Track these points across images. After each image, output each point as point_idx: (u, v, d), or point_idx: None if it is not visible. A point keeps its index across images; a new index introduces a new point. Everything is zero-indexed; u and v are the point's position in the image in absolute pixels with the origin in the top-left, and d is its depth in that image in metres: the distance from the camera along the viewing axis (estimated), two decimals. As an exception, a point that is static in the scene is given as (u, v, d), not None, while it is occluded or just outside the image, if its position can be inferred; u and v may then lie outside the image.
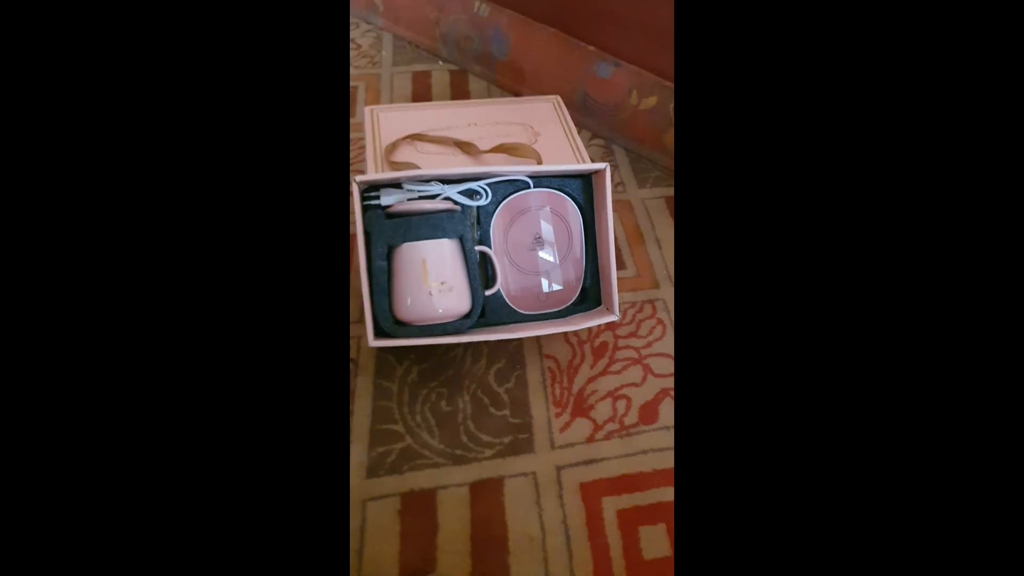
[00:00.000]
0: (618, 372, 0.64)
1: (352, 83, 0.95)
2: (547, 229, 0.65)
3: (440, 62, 1.00)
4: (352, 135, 0.86)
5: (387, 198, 0.59)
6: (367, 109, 0.76)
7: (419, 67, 0.99)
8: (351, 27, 1.05)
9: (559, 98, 0.81)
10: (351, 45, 1.02)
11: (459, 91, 0.96)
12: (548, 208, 0.65)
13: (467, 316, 0.60)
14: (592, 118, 0.89)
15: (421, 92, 0.95)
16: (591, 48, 0.82)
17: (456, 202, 0.61)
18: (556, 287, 0.65)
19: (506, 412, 0.61)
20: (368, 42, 1.03)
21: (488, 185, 0.62)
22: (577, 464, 0.58)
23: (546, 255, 0.65)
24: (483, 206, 0.63)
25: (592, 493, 0.56)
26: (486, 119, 0.76)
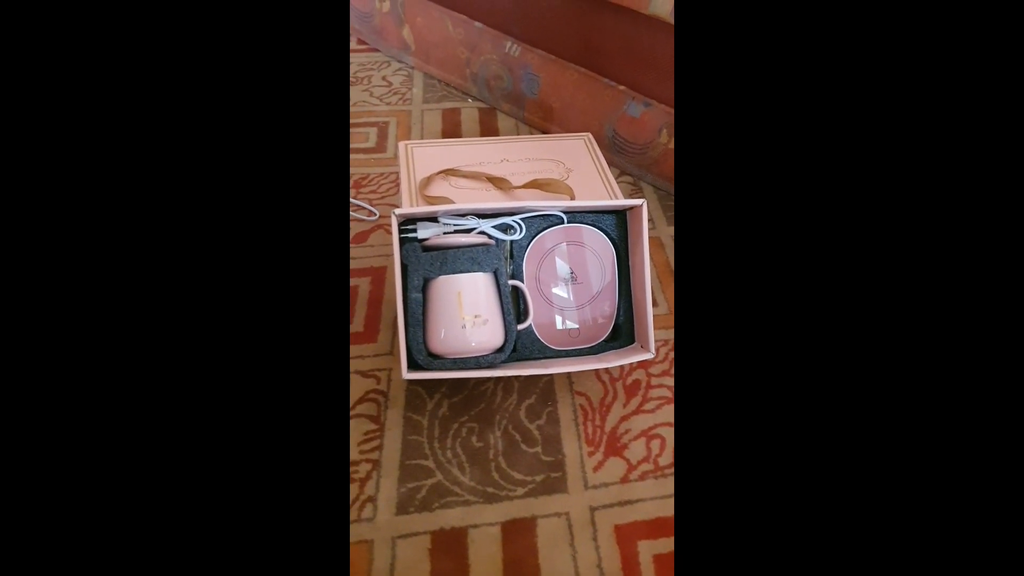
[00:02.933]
0: (651, 411, 0.63)
1: (383, 119, 0.97)
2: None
3: (469, 100, 1.02)
4: (386, 169, 0.87)
5: (424, 231, 0.59)
6: (402, 144, 0.77)
7: (449, 104, 1.01)
8: (383, 66, 1.08)
9: (590, 135, 0.82)
10: (383, 83, 1.04)
11: (488, 128, 0.98)
12: (581, 244, 0.65)
13: (500, 350, 0.59)
14: (621, 156, 0.89)
15: (451, 129, 0.97)
16: (621, 88, 0.83)
17: (491, 236, 0.62)
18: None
19: (538, 449, 0.59)
20: (399, 80, 1.05)
21: (522, 220, 0.63)
22: (611, 505, 0.56)
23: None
24: (516, 240, 0.63)
25: (627, 536, 0.54)
26: (518, 155, 0.77)
